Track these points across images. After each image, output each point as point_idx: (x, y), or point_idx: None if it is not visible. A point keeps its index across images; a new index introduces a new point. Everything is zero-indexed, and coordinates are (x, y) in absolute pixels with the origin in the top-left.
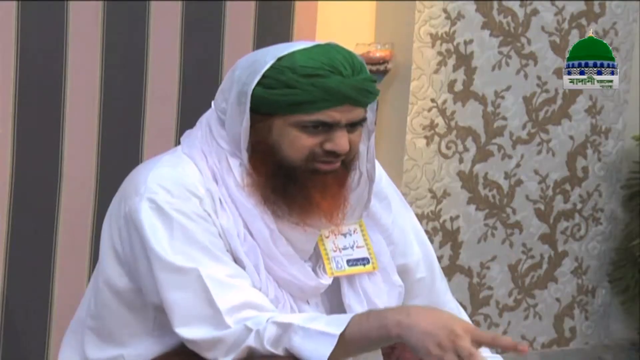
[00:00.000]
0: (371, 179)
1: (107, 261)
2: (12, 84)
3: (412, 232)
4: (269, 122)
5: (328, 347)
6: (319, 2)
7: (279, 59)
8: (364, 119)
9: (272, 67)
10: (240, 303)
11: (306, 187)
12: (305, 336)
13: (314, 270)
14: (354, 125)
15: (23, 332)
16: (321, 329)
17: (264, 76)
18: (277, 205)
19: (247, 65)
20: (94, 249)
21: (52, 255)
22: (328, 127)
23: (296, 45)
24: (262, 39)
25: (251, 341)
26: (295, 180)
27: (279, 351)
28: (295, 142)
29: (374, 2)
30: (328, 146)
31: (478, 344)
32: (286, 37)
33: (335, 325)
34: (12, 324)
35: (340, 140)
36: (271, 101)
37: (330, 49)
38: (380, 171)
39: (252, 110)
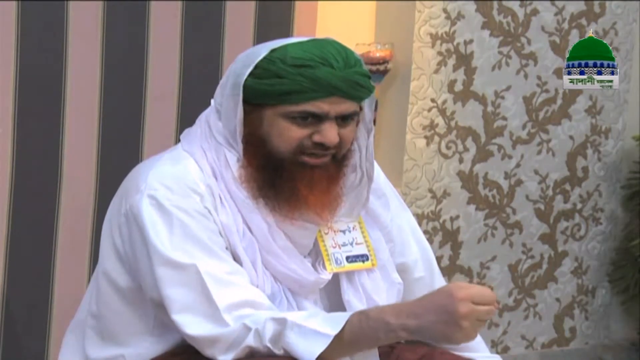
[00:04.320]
0: (370, 178)
1: (108, 259)
2: (12, 84)
3: (409, 232)
4: (260, 113)
5: (320, 347)
6: (319, 2)
7: (273, 51)
8: (354, 113)
9: (264, 58)
10: (238, 301)
11: (293, 180)
12: (300, 333)
13: (313, 266)
14: (345, 119)
15: (23, 332)
16: (316, 327)
17: (256, 67)
18: (267, 198)
19: (243, 59)
20: (94, 249)
21: (52, 255)
22: (317, 119)
23: (292, 40)
24: (262, 39)
25: (250, 340)
26: (283, 172)
27: (279, 349)
28: (284, 133)
29: (374, 2)
30: (316, 138)
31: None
32: (286, 37)
33: (331, 325)
34: (12, 324)
35: (328, 133)
36: (261, 91)
37: (325, 43)
38: (377, 169)
39: (245, 101)
